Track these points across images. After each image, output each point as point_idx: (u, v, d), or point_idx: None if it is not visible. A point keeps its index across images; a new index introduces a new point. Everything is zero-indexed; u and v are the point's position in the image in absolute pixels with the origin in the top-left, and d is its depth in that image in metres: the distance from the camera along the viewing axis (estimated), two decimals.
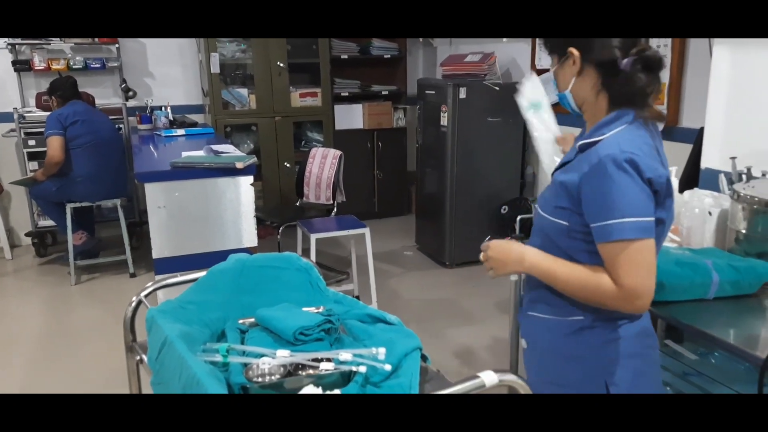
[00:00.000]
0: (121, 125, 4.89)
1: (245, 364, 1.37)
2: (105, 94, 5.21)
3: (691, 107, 3.39)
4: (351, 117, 5.52)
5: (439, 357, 3.35)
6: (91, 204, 4.40)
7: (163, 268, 3.27)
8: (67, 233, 4.32)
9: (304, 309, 1.65)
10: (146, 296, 1.72)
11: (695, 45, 3.32)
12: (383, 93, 5.68)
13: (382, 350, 1.41)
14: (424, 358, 1.57)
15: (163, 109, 4.95)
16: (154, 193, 3.19)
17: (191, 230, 3.30)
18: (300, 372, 1.37)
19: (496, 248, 1.46)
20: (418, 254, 4.91)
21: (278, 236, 4.11)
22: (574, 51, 1.39)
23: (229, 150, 3.56)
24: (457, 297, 4.07)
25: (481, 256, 1.49)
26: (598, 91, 1.40)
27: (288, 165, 5.24)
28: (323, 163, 4.34)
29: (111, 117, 4.79)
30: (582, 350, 1.46)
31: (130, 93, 5.13)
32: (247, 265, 1.78)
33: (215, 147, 3.52)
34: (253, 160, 3.35)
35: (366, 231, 3.68)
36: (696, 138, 2.61)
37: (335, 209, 4.25)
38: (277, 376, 1.36)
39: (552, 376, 1.52)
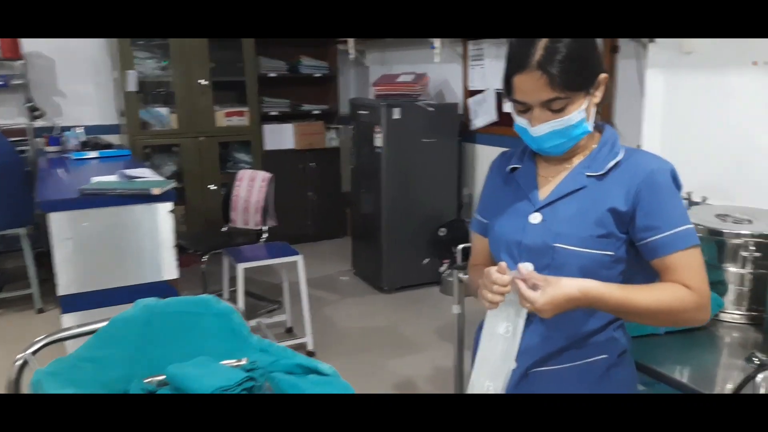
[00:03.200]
0: (26, 147, 4.51)
1: None
2: (8, 114, 4.80)
3: (622, 128, 3.38)
4: (281, 137, 5.32)
5: (379, 392, 3.18)
6: None
7: (71, 306, 2.97)
8: None
9: (224, 362, 1.46)
10: (34, 353, 1.47)
11: (624, 65, 3.32)
12: (314, 112, 5.51)
13: None
14: None
15: (73, 129, 4.59)
16: (59, 224, 2.90)
17: (103, 263, 3.01)
18: None
19: (552, 300, 1.19)
20: (355, 279, 4.73)
21: (202, 266, 3.85)
22: (605, 75, 1.30)
23: (145, 174, 3.30)
24: (396, 324, 3.92)
25: (528, 306, 1.21)
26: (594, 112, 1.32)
27: (213, 188, 4.98)
28: (251, 186, 4.11)
29: (14, 138, 4.42)
30: (614, 388, 1.34)
31: (37, 112, 4.76)
32: (156, 312, 1.56)
33: (129, 171, 3.25)
34: (172, 184, 3.11)
35: (299, 258, 3.48)
36: None
37: (266, 235, 4.03)
38: None
39: None
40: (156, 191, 2.98)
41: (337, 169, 5.57)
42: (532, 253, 1.30)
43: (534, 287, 1.20)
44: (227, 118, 5.05)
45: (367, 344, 3.71)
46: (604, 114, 3.44)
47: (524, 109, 1.27)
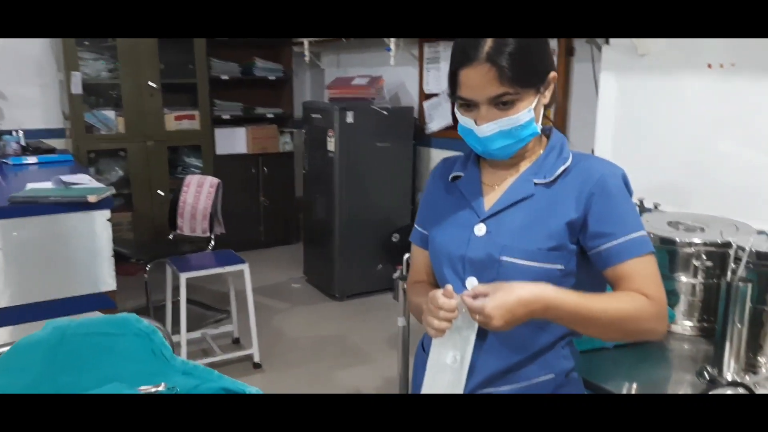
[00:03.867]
0: None
1: None
2: None
3: (578, 134, 3.36)
4: (233, 141, 5.17)
5: None
6: None
7: (2, 321, 2.79)
8: None
9: (141, 389, 1.33)
10: None
11: (579, 69, 3.29)
12: (268, 116, 5.37)
13: None
14: None
15: (13, 133, 4.37)
16: None
17: (36, 275, 2.84)
18: None
19: (503, 305, 1.07)
20: (306, 286, 4.61)
21: (146, 275, 3.68)
22: (555, 74, 1.22)
23: (83, 180, 3.12)
24: (347, 332, 3.82)
25: (477, 318, 1.09)
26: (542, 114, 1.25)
27: (162, 193, 4.80)
28: (199, 192, 3.96)
29: None
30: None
31: None
32: (67, 333, 1.42)
33: (66, 178, 3.07)
34: (109, 192, 2.94)
35: (245, 267, 3.35)
36: None
37: (212, 242, 3.88)
38: None
39: None
40: (92, 199, 2.81)
41: (291, 174, 5.44)
42: (477, 267, 1.21)
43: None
44: (177, 121, 4.87)
45: (316, 354, 3.59)
46: (559, 119, 3.41)
47: (470, 107, 1.19)
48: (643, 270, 1.16)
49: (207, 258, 3.55)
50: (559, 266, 1.18)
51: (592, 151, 2.38)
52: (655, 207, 2.00)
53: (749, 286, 1.36)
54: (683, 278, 1.67)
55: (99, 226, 2.93)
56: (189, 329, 3.64)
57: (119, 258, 3.88)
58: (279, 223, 5.46)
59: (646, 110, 2.16)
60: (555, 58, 3.39)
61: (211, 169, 4.94)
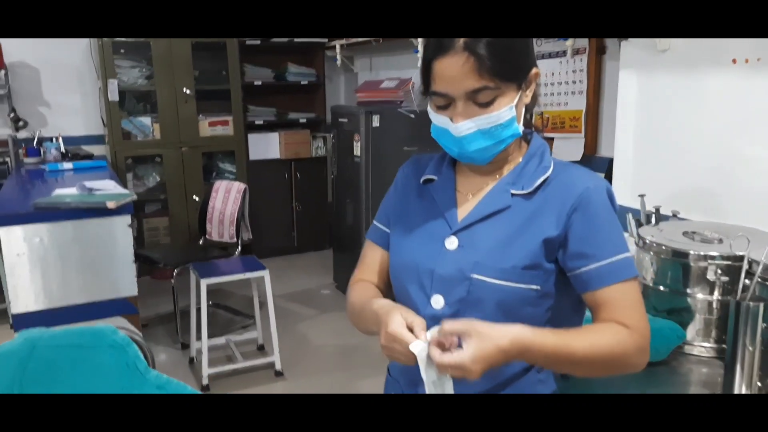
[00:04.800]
0: (7, 159, 4.42)
1: None
2: None
3: (610, 135, 3.19)
4: (266, 146, 5.18)
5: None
6: None
7: (24, 325, 2.83)
8: None
9: None
10: None
11: (611, 68, 3.12)
12: (301, 121, 5.36)
13: None
14: None
15: (53, 140, 4.50)
16: (10, 239, 2.77)
17: (58, 280, 2.88)
18: None
19: (481, 356, 0.95)
20: (336, 293, 4.56)
21: (172, 280, 3.71)
22: (537, 71, 1.12)
23: (107, 187, 3.16)
24: (373, 342, 3.71)
25: (454, 372, 0.96)
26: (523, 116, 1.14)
27: (197, 199, 4.84)
28: (227, 198, 3.97)
29: None
30: None
31: (21, 123, 4.68)
32: (39, 345, 1.41)
33: (90, 184, 3.11)
34: (130, 198, 2.97)
35: (265, 273, 3.32)
36: (606, 170, 2.37)
37: (239, 248, 3.88)
38: None
39: None
40: (111, 205, 2.84)
41: (323, 179, 5.41)
42: (446, 284, 1.10)
43: (450, 345, 0.97)
44: (211, 127, 4.92)
45: (341, 363, 3.53)
46: (591, 120, 3.25)
47: (445, 103, 1.07)
48: (625, 297, 1.05)
49: (230, 264, 3.54)
50: (534, 287, 1.08)
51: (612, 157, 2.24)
52: (674, 215, 1.84)
53: (761, 305, 1.22)
54: (699, 294, 1.53)
55: (119, 231, 2.95)
56: (217, 334, 3.65)
57: (150, 263, 3.94)
58: (311, 229, 5.44)
59: (668, 110, 2.00)
60: (585, 57, 3.24)
61: (245, 175, 4.96)
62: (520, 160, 1.16)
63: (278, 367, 3.39)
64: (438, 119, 1.10)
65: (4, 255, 2.79)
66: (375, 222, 1.29)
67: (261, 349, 3.68)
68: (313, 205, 5.39)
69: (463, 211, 1.15)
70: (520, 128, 1.12)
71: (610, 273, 1.05)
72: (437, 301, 1.11)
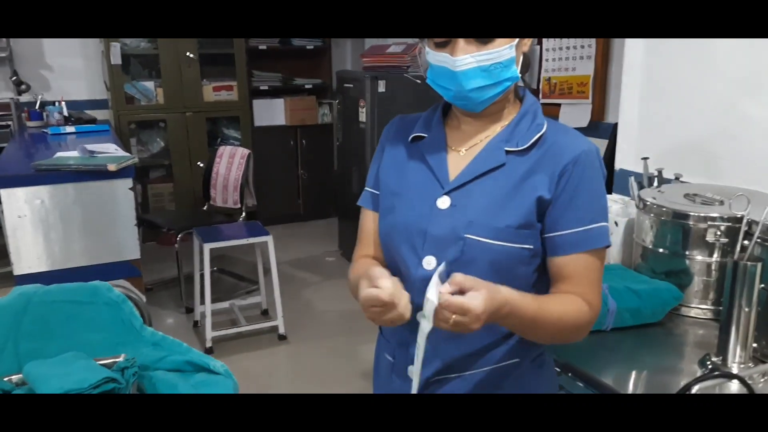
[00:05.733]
0: (10, 122, 4.41)
1: None
2: None
3: (617, 101, 3.13)
4: (272, 112, 5.14)
5: (345, 378, 3.03)
6: None
7: None
8: None
9: (99, 359, 1.30)
10: None
11: None
12: (306, 87, 5.31)
13: None
14: None
15: (56, 104, 4.48)
16: (12, 200, 2.78)
17: (61, 243, 2.89)
18: None
19: (489, 311, 0.93)
20: (341, 260, 4.57)
21: (176, 245, 3.71)
22: None
23: (108, 150, 3.15)
24: None
25: (454, 318, 0.92)
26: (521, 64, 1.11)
27: (201, 165, 4.82)
28: (231, 163, 3.96)
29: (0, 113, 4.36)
30: (542, 379, 1.18)
31: (23, 86, 4.66)
32: (34, 301, 1.41)
33: (92, 147, 3.10)
34: (131, 161, 2.96)
35: (269, 239, 3.32)
36: (611, 134, 2.33)
37: (243, 214, 3.87)
38: None
39: None
40: (112, 167, 2.83)
41: (329, 147, 5.37)
42: (438, 244, 1.08)
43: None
44: (215, 92, 4.88)
45: (343, 328, 3.55)
46: (599, 83, 3.19)
47: (445, 41, 1.04)
48: (589, 269, 1.07)
49: (233, 229, 3.55)
50: (528, 246, 1.07)
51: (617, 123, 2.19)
52: (676, 178, 1.82)
53: (759, 265, 1.20)
54: (698, 256, 1.51)
55: (121, 194, 2.95)
56: (221, 299, 3.68)
57: (154, 228, 3.96)
58: (317, 197, 5.43)
59: (674, 72, 1.96)
60: None
61: (250, 141, 4.94)
62: (513, 118, 1.13)
63: (282, 331, 3.41)
64: (436, 57, 1.06)
65: (6, 217, 2.80)
66: (366, 188, 1.26)
67: (265, 314, 3.70)
68: (318, 173, 5.37)
69: (455, 169, 1.12)
70: (518, 71, 1.09)
71: (583, 240, 1.06)
72: (429, 262, 1.09)
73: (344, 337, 3.44)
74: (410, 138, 1.18)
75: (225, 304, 3.66)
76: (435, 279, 0.94)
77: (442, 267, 0.98)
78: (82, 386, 1.14)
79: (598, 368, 1.33)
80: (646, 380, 1.32)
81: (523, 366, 1.13)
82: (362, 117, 4.05)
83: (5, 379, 1.24)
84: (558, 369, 1.33)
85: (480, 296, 0.92)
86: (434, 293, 0.92)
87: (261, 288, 3.72)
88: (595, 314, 1.08)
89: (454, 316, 0.92)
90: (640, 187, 1.80)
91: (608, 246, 1.08)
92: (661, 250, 1.56)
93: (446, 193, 1.10)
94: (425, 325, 0.95)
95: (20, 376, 1.24)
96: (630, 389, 1.26)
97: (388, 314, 0.96)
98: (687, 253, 1.52)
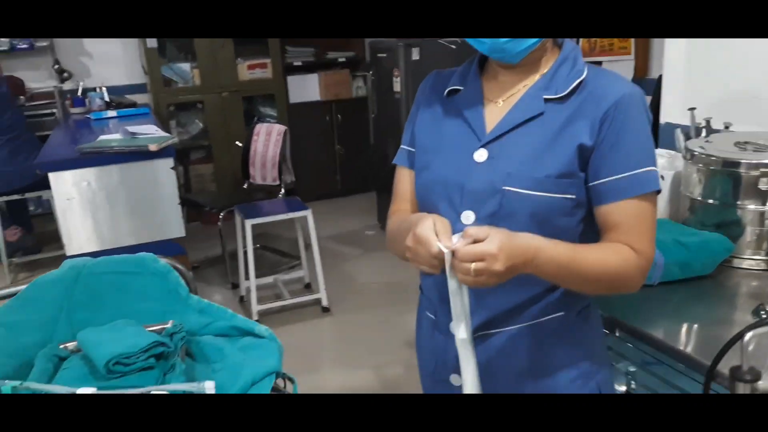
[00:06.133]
0: (55, 110, 4.53)
1: None
2: (39, 78, 4.84)
3: (661, 57, 3.03)
4: (306, 88, 5.14)
5: (388, 347, 3.04)
6: (19, 196, 4.05)
7: None
8: None
9: (148, 326, 1.33)
10: None
11: None
12: (340, 60, 5.28)
13: (209, 384, 1.09)
14: (284, 381, 1.26)
15: (97, 90, 4.57)
16: (59, 184, 2.87)
17: (108, 223, 2.98)
18: None
19: (508, 249, 0.92)
20: (381, 234, 4.57)
21: (219, 223, 3.77)
22: None
23: (149, 131, 3.21)
24: (417, 279, 3.74)
25: (474, 267, 0.91)
26: None
27: (240, 144, 4.86)
28: (268, 141, 3.98)
29: (43, 102, 4.48)
30: (569, 350, 1.13)
31: (65, 74, 4.77)
32: (84, 272, 1.45)
33: (133, 128, 3.17)
34: (171, 140, 3.01)
35: (308, 213, 3.34)
36: (654, 88, 2.25)
37: (282, 190, 3.90)
38: None
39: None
40: (153, 147, 2.88)
41: (365, 120, 5.34)
42: (476, 198, 1.06)
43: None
44: (250, 71, 4.91)
45: (385, 299, 3.57)
46: (641, 44, 3.09)
47: None
48: (639, 216, 1.03)
49: (273, 205, 3.58)
50: (570, 195, 1.04)
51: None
52: (726, 127, 1.74)
53: None
54: (749, 206, 1.46)
55: (163, 174, 3.01)
56: (265, 274, 3.73)
57: (197, 207, 4.03)
58: (355, 172, 5.42)
59: None
60: None
61: (286, 118, 4.95)
62: (552, 65, 1.10)
63: (325, 303, 3.44)
64: None
65: (55, 200, 2.89)
66: (402, 146, 1.26)
67: (308, 287, 3.74)
68: (355, 148, 5.36)
69: (492, 120, 1.09)
70: None
71: (629, 186, 1.02)
72: (468, 217, 1.07)
73: (387, 308, 3.45)
74: (446, 92, 1.16)
75: (269, 279, 3.71)
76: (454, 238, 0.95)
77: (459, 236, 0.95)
78: (133, 350, 1.16)
79: (646, 322, 1.30)
80: (697, 333, 1.28)
81: (569, 319, 1.11)
82: (397, 87, 4.01)
83: (61, 346, 1.28)
84: (606, 330, 1.30)
85: (493, 239, 0.91)
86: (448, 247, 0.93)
87: (303, 262, 3.76)
88: (646, 263, 1.04)
89: (473, 265, 0.91)
90: (687, 138, 1.73)
91: (658, 191, 1.04)
92: (710, 201, 1.51)
93: (483, 146, 1.08)
94: (451, 283, 0.96)
95: (75, 343, 1.28)
96: (681, 342, 1.23)
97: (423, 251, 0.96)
98: (738, 202, 1.47)
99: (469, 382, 1.03)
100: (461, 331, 1.00)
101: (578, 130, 1.03)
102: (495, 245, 0.90)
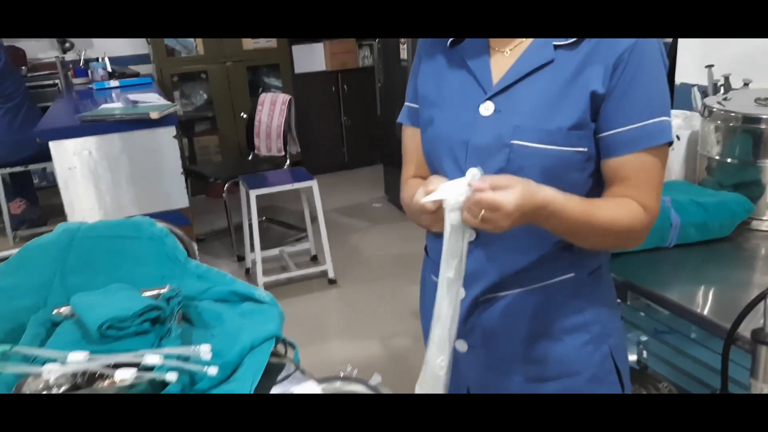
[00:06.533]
0: (57, 81, 4.47)
1: (23, 375, 1.02)
2: (40, 48, 4.78)
3: None
4: (311, 58, 5.04)
5: (395, 318, 3.01)
6: (23, 168, 4.02)
7: None
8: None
9: (144, 291, 1.29)
10: None
11: None
12: None
13: (205, 348, 1.05)
14: (284, 346, 1.22)
15: (100, 60, 4.51)
16: (60, 153, 2.82)
17: (111, 193, 2.94)
18: (98, 383, 1.02)
19: (522, 206, 0.87)
20: (388, 206, 4.52)
21: (224, 194, 3.73)
22: None
23: (151, 99, 3.16)
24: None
25: (483, 215, 0.86)
26: None
27: (245, 115, 4.80)
28: (272, 110, 3.92)
29: (45, 72, 4.43)
30: (580, 311, 1.07)
31: (67, 44, 4.71)
32: (78, 236, 1.40)
33: (134, 96, 3.11)
34: (174, 108, 2.95)
35: (313, 183, 3.29)
36: (669, 48, 2.17)
37: (287, 161, 3.85)
38: (64, 389, 1.00)
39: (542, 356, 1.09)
40: (154, 115, 2.83)
41: (372, 91, 5.25)
42: (482, 154, 1.00)
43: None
44: (254, 40, 4.82)
45: (392, 271, 3.53)
46: None
47: None
48: (648, 170, 0.98)
49: (278, 175, 3.53)
50: (581, 149, 0.98)
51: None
52: (745, 84, 1.67)
53: None
54: None
55: (165, 142, 2.96)
56: (271, 247, 3.70)
57: (202, 178, 3.98)
58: (361, 143, 5.35)
59: None
60: None
61: (291, 89, 4.87)
62: None
63: (331, 275, 3.41)
64: None
65: (57, 170, 2.85)
66: (406, 103, 1.19)
67: (314, 260, 3.71)
68: (362, 119, 5.28)
69: (499, 70, 1.03)
70: None
71: (640, 137, 0.96)
72: (471, 174, 1.02)
73: (393, 280, 3.41)
74: (449, 42, 1.09)
75: (275, 251, 3.67)
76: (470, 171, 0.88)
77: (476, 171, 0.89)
78: (127, 314, 1.12)
79: (661, 285, 1.25)
80: (714, 295, 1.23)
81: (580, 280, 1.06)
82: (403, 54, 3.92)
83: (54, 311, 1.25)
84: (619, 298, 1.25)
85: (513, 194, 0.86)
86: (462, 184, 0.87)
87: (309, 235, 3.72)
88: (652, 218, 1.00)
89: (483, 212, 0.86)
90: (704, 96, 1.66)
91: (670, 143, 0.98)
92: (729, 160, 1.45)
93: (489, 98, 1.01)
94: (452, 216, 0.89)
95: (68, 307, 1.24)
96: (698, 305, 1.17)
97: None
98: (758, 161, 1.40)
99: (444, 336, 0.94)
100: (450, 270, 0.91)
101: (590, 76, 0.96)
102: (512, 203, 0.86)
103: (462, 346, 1.14)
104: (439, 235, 1.11)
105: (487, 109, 1.01)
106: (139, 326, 1.13)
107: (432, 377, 0.97)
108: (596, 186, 1.02)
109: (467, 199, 0.87)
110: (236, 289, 1.36)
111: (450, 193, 0.88)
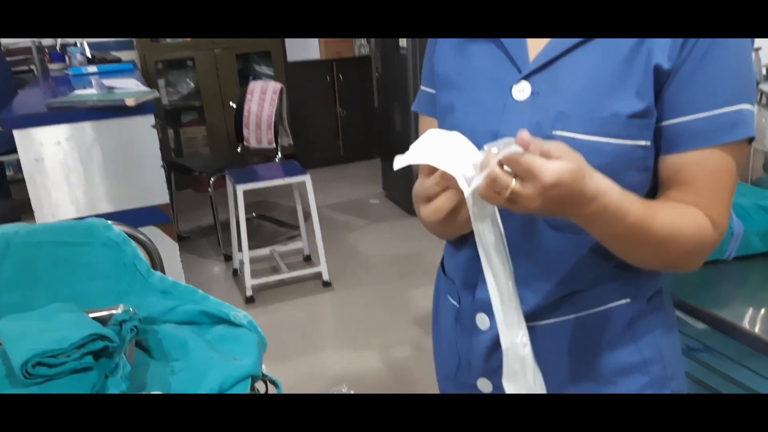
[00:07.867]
0: (32, 66, 4.22)
1: None
2: None
3: None
4: (305, 46, 4.79)
5: (395, 325, 2.78)
6: None
7: None
8: None
9: (92, 311, 1.06)
10: None
11: None
12: None
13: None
14: (266, 385, 0.99)
15: (78, 44, 4.24)
16: (27, 142, 2.56)
17: (83, 187, 2.68)
18: None
19: (564, 183, 0.62)
20: (386, 202, 4.29)
21: (210, 189, 3.48)
22: None
23: (128, 85, 2.90)
24: (426, 251, 3.46)
25: (513, 187, 0.63)
26: None
27: (234, 105, 4.55)
28: (263, 99, 3.67)
29: (19, 57, 4.17)
30: (641, 348, 0.86)
31: None
32: (14, 243, 1.17)
33: (110, 82, 2.86)
34: (152, 95, 2.70)
35: (306, 178, 3.05)
36: None
37: (279, 154, 3.60)
38: None
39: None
40: (130, 102, 2.57)
41: (368, 82, 5.02)
42: None
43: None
44: None
45: (392, 273, 3.30)
46: None
47: None
48: (719, 171, 0.75)
49: (268, 169, 3.28)
50: (643, 142, 0.75)
51: None
52: None
53: None
54: None
55: (144, 132, 2.70)
56: (261, 246, 3.46)
57: (186, 172, 3.74)
58: (358, 136, 5.11)
59: None
60: None
61: (283, 78, 4.63)
62: None
63: (326, 277, 3.17)
64: None
65: (23, 162, 2.59)
66: (422, 87, 0.96)
67: (308, 260, 3.47)
68: (358, 111, 5.04)
69: (536, 45, 0.79)
70: None
71: (712, 129, 0.73)
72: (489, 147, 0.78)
73: (394, 282, 3.18)
74: None
75: (265, 251, 3.44)
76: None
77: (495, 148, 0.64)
78: (61, 346, 0.89)
79: (719, 305, 1.03)
80: None
81: (637, 307, 0.83)
82: (402, 42, 3.68)
83: None
84: None
85: (559, 165, 0.61)
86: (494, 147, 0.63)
87: (302, 233, 3.48)
88: (719, 236, 0.78)
89: (513, 181, 0.62)
90: (756, 83, 1.43)
91: (751, 139, 0.75)
92: None
93: (525, 78, 0.78)
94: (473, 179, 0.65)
95: None
96: (757, 329, 0.95)
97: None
98: None
99: (510, 312, 0.75)
100: (489, 233, 0.71)
101: (654, 46, 0.73)
102: (552, 177, 0.61)
103: (485, 385, 0.91)
104: (461, 248, 0.88)
105: (521, 91, 0.78)
106: (78, 361, 0.89)
107: (518, 361, 0.77)
108: (655, 188, 0.80)
109: (490, 166, 0.63)
110: (207, 309, 1.12)
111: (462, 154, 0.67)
